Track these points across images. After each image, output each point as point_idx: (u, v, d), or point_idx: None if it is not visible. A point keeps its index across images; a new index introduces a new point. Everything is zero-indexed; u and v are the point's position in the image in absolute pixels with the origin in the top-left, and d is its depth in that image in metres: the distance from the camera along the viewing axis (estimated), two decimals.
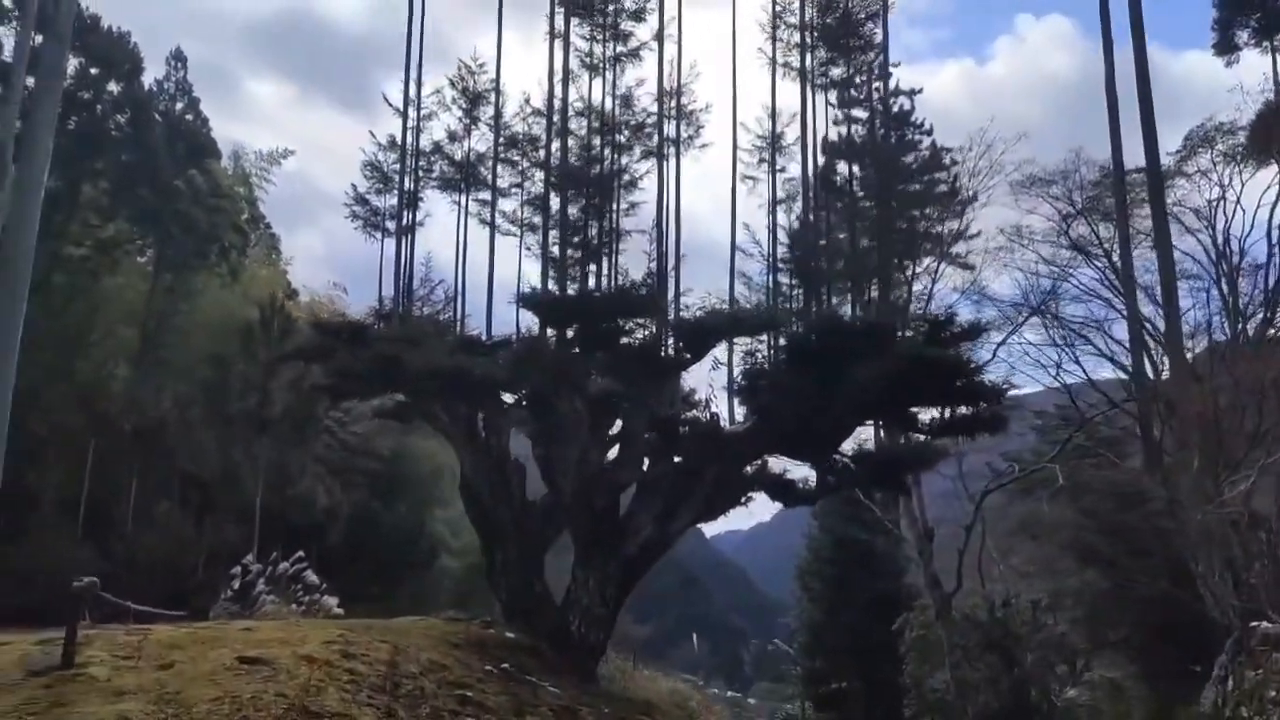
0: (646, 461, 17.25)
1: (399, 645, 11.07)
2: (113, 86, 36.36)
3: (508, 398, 18.25)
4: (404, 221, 19.53)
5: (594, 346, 15.92)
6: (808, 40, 18.22)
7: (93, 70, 35.42)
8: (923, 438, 15.76)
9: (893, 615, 32.40)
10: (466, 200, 19.91)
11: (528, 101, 19.48)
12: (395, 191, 20.37)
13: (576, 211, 17.70)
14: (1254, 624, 19.05)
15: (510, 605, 17.77)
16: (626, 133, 17.74)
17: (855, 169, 20.44)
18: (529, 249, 18.85)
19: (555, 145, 18.30)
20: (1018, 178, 32.26)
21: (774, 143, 18.49)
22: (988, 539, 29.04)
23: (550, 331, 17.06)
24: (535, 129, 19.27)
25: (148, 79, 37.03)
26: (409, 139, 19.91)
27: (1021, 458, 31.04)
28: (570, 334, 16.31)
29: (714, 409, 17.27)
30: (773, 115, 18.33)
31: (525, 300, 16.09)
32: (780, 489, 18.27)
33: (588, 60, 18.37)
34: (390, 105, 20.45)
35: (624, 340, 15.60)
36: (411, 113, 20.20)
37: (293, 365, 31.35)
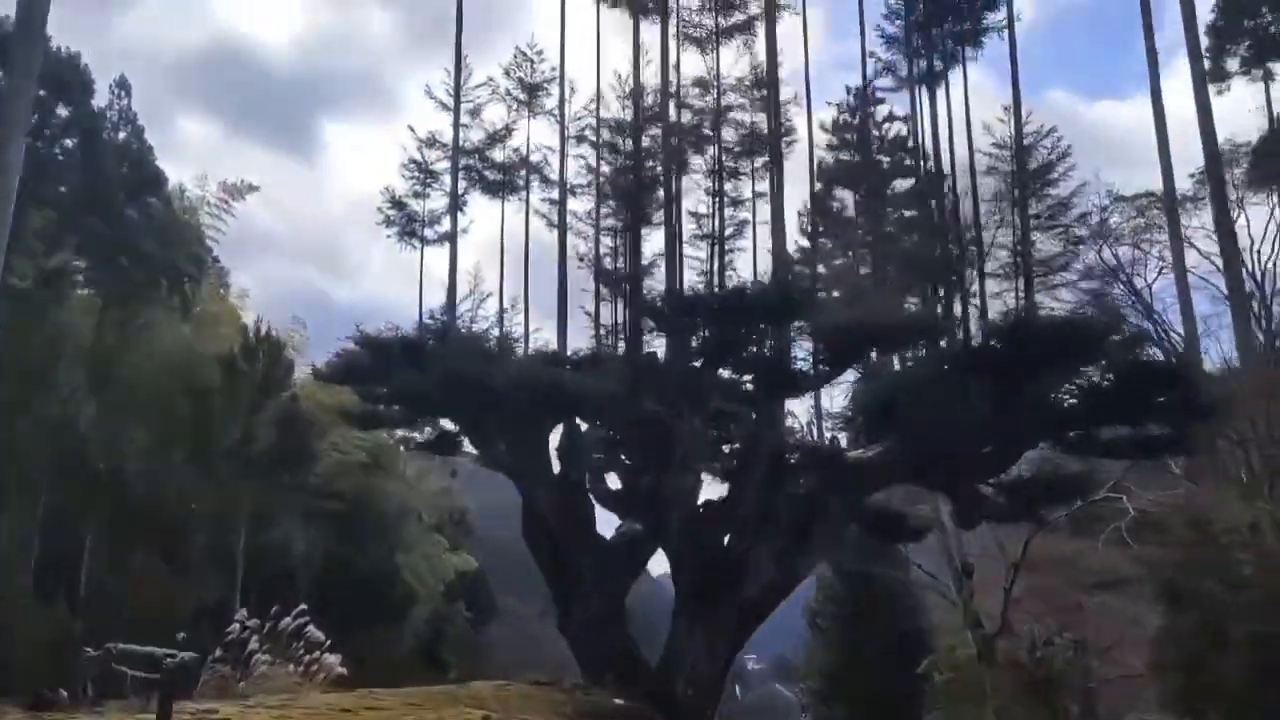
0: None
1: None
2: (62, 110, 33.47)
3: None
4: (452, 226, 17.02)
5: (719, 359, 13.49)
6: None
7: (40, 91, 32.27)
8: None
9: (916, 658, 30.29)
10: (529, 200, 17.50)
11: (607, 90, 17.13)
12: (434, 195, 17.96)
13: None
14: None
15: (594, 663, 15.22)
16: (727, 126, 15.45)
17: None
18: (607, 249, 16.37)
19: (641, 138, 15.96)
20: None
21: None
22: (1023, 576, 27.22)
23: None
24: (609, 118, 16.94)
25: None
26: (457, 134, 17.44)
27: None
28: (692, 344, 13.83)
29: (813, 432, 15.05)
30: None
31: (647, 309, 13.67)
32: (890, 523, 16.13)
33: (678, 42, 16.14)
34: (433, 98, 17.95)
35: (750, 350, 13.18)
36: (453, 104, 17.80)
37: (279, 398, 28.33)
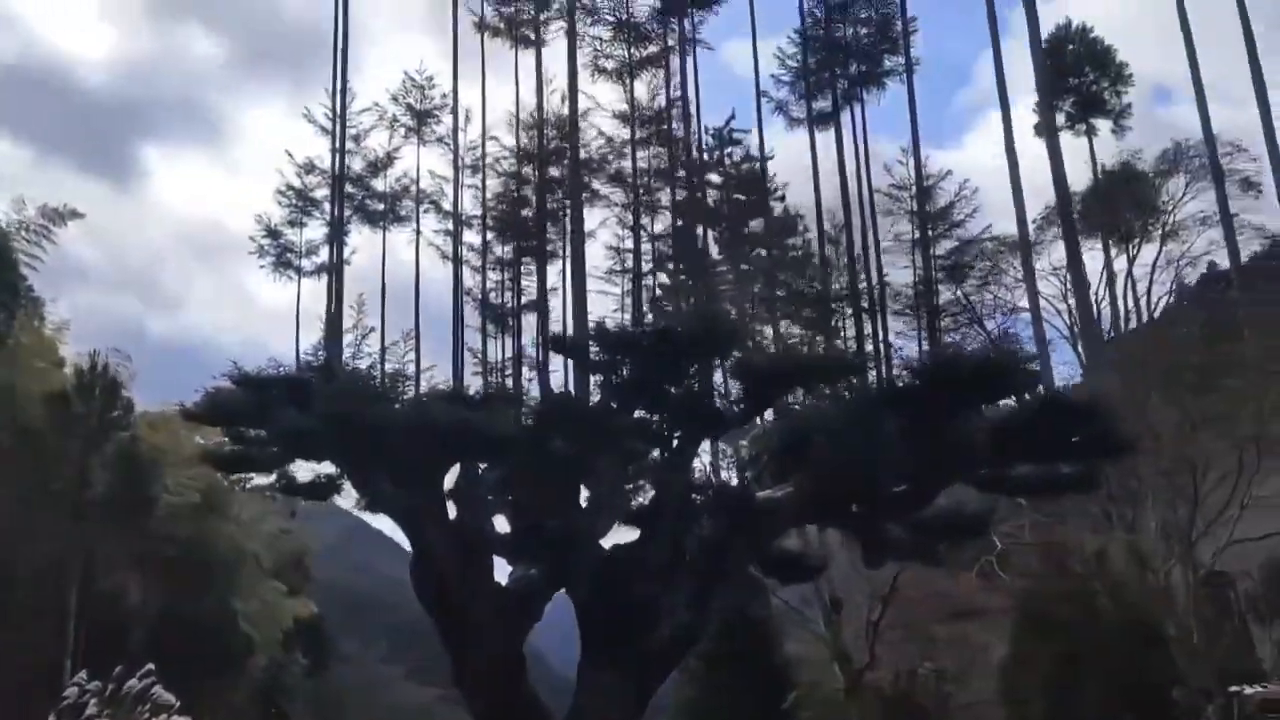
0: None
1: None
2: None
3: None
4: (336, 255, 16.09)
5: (638, 397, 13.03)
6: None
7: None
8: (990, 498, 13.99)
9: (782, 693, 30.40)
10: (419, 230, 16.77)
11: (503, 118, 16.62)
12: (311, 224, 17.04)
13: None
14: (1238, 689, 18.32)
15: (492, 714, 14.44)
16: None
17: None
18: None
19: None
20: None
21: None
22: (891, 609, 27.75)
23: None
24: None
25: None
26: (339, 161, 16.56)
27: None
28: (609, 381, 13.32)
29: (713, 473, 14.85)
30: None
31: (556, 343, 13.12)
32: (789, 564, 16.05)
33: None
34: (312, 122, 17.02)
35: (670, 389, 12.78)
36: (337, 129, 16.94)
37: (117, 438, 26.23)
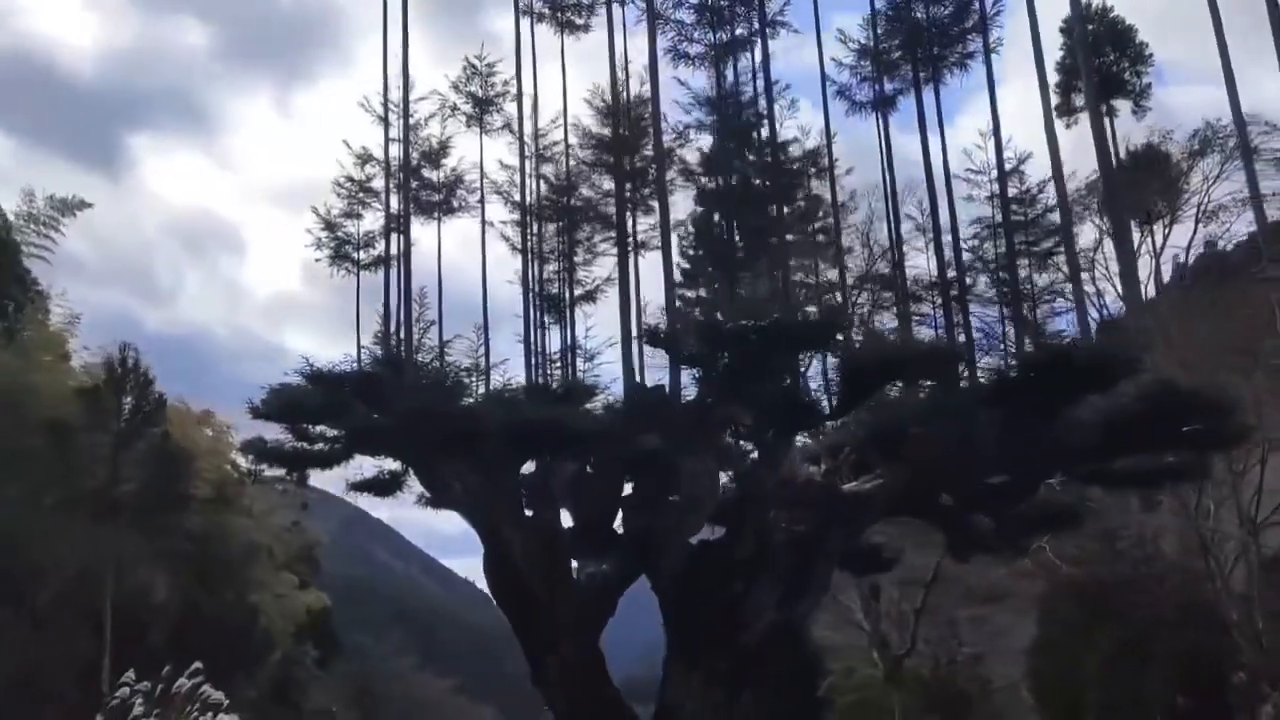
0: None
1: None
2: None
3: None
4: (388, 248, 15.82)
5: (734, 391, 12.70)
6: None
7: None
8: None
9: (815, 681, 30.20)
10: (484, 221, 16.41)
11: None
12: (375, 211, 16.69)
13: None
14: None
15: (575, 714, 14.19)
16: None
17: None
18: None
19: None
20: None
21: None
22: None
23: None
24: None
25: None
26: (404, 149, 16.17)
27: None
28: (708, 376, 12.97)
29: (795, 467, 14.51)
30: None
31: (652, 336, 12.77)
32: (869, 556, 15.84)
33: None
34: (369, 110, 16.58)
35: (765, 384, 12.45)
36: (395, 119, 16.54)
37: (151, 434, 25.73)
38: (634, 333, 13.95)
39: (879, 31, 15.43)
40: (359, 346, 16.10)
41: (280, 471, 58.97)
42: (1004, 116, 13.94)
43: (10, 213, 37.38)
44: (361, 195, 16.71)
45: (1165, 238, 32.69)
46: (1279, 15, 31.80)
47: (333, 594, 55.85)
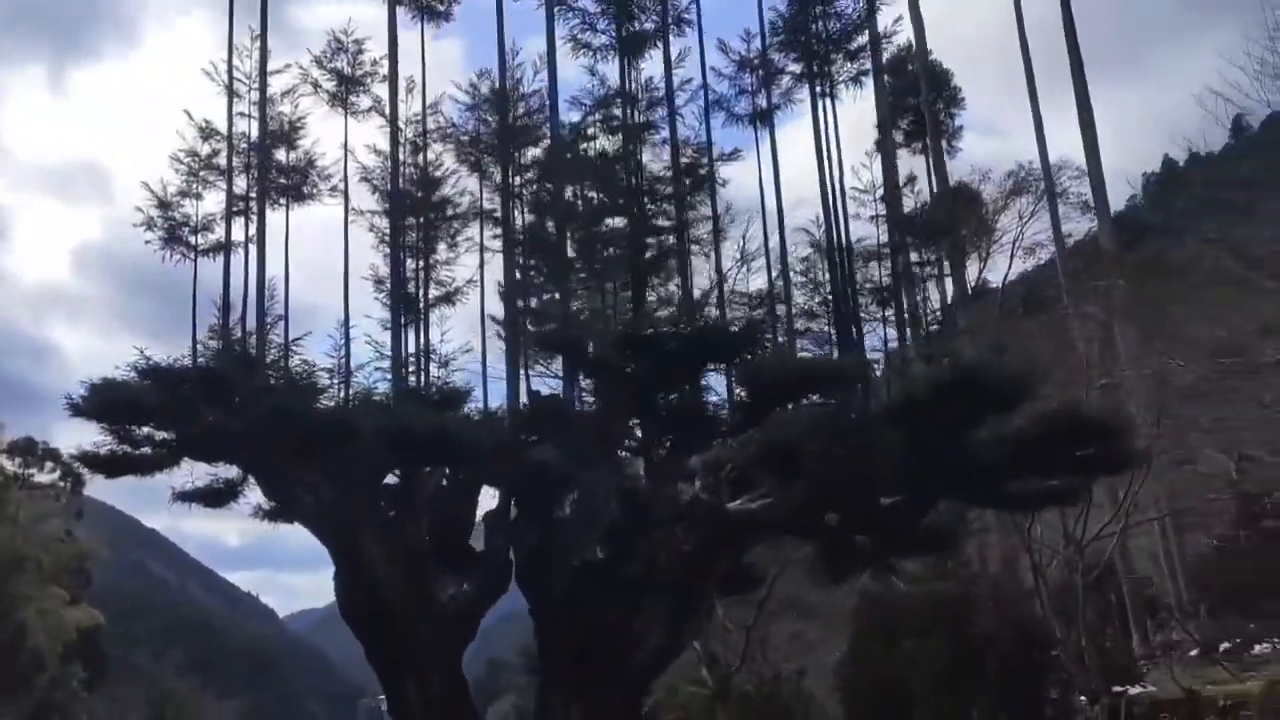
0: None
1: None
2: None
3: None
4: (259, 229, 14.20)
5: (639, 404, 11.87)
6: None
7: None
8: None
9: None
10: (347, 207, 14.98)
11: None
12: (218, 192, 14.95)
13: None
14: (1123, 689, 19.04)
15: None
16: None
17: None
18: None
19: None
20: None
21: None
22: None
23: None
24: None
25: None
26: (261, 124, 14.57)
27: None
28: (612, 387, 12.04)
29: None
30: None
31: (548, 340, 11.76)
32: (739, 576, 15.38)
33: None
34: (214, 79, 14.89)
35: (670, 396, 11.73)
36: (245, 90, 14.93)
37: None
38: (520, 337, 12.95)
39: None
40: (194, 342, 14.33)
41: (54, 476, 53.66)
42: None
43: None
44: (203, 173, 14.95)
45: (980, 271, 34.32)
46: (1079, 66, 33.86)
47: (103, 609, 51.44)
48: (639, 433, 13.02)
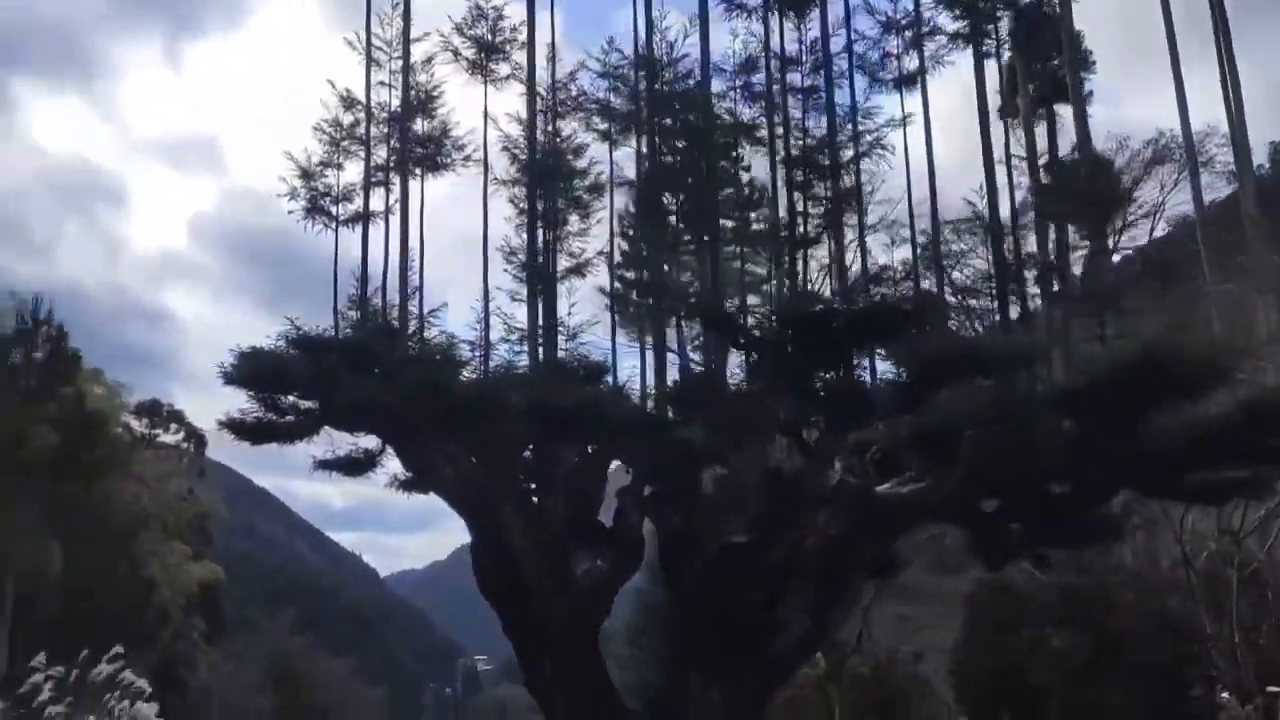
0: None
1: None
2: None
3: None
4: (402, 199, 14.12)
5: (794, 383, 11.38)
6: None
7: None
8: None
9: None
10: (487, 178, 14.71)
11: None
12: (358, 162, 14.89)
13: None
14: (1278, 690, 17.85)
15: None
16: None
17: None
18: None
19: None
20: None
21: None
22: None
23: None
24: None
25: None
26: (404, 92, 14.46)
27: None
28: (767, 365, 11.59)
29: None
30: None
31: (707, 316, 11.34)
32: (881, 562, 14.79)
33: None
34: (355, 48, 14.78)
35: (828, 375, 11.20)
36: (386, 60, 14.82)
37: (60, 394, 23.15)
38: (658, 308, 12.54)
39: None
40: (335, 311, 14.30)
41: (178, 437, 55.04)
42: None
43: None
44: (345, 143, 14.85)
45: (1115, 243, 32.64)
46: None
47: (235, 572, 53.18)
48: (788, 413, 12.45)
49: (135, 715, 14.18)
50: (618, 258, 15.35)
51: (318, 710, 50.96)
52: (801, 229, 11.97)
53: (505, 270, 15.26)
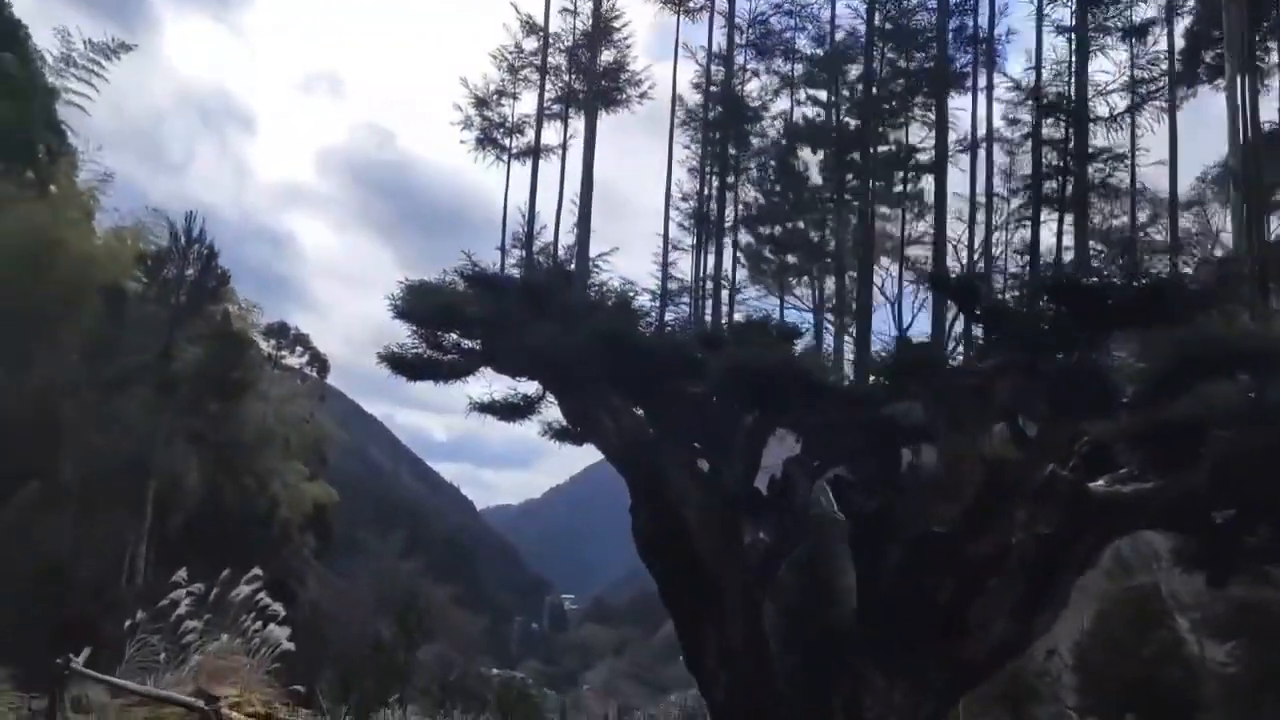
0: None
1: None
2: None
3: None
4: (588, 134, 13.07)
5: (1025, 360, 10.03)
6: None
7: None
8: None
9: None
10: (673, 124, 13.54)
11: None
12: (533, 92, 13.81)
13: None
14: None
15: (734, 706, 11.82)
16: None
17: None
18: None
19: None
20: None
21: None
22: None
23: None
24: None
25: None
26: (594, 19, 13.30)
27: None
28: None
29: None
30: None
31: (941, 281, 10.06)
32: None
33: None
34: None
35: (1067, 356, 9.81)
36: None
37: (208, 311, 22.91)
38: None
39: None
40: (502, 250, 13.28)
41: (302, 360, 55.32)
42: None
43: (48, 53, 33.60)
44: (524, 71, 13.78)
45: None
46: None
47: (348, 493, 53.86)
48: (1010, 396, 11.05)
49: (267, 638, 13.88)
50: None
51: (426, 634, 51.64)
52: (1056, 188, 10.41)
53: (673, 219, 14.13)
